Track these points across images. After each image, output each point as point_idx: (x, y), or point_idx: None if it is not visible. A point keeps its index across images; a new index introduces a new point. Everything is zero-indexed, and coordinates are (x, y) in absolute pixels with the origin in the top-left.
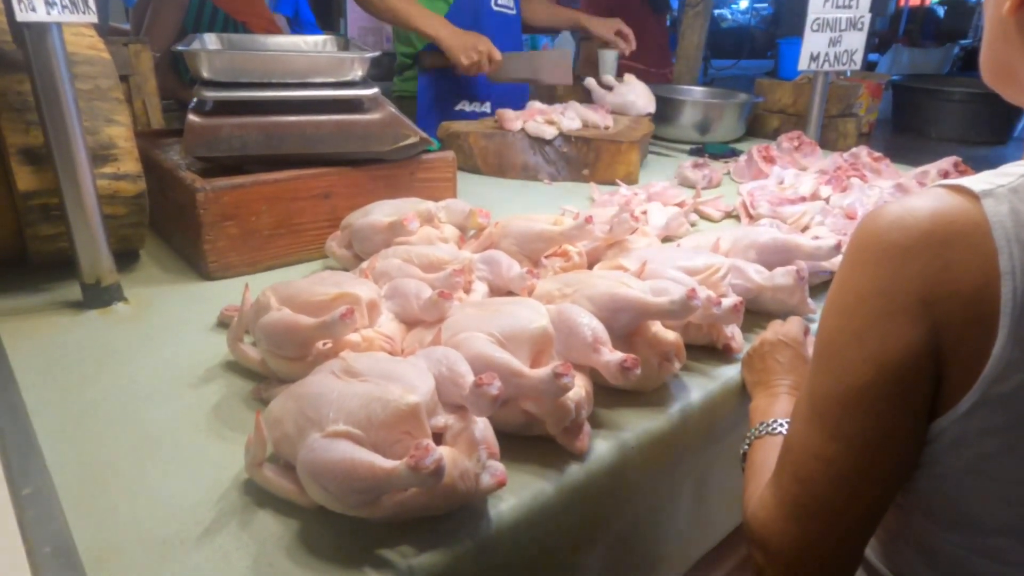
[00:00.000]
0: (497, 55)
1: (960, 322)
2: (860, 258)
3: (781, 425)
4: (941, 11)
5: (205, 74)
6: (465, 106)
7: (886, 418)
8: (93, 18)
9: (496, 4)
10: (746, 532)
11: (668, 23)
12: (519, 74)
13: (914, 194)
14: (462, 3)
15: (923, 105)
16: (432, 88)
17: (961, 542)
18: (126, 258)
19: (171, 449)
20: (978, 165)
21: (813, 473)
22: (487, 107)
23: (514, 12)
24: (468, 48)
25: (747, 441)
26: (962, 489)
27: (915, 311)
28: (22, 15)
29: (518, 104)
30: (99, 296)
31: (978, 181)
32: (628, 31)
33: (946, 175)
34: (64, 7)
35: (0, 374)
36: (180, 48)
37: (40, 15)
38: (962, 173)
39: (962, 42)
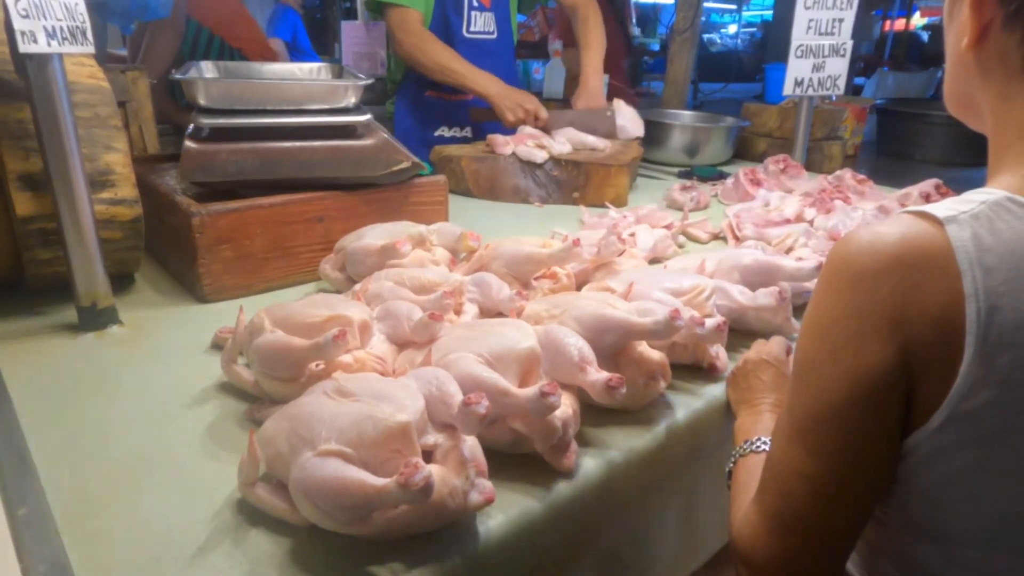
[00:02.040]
0: (543, 113)
1: (928, 341)
2: (833, 281)
3: (764, 443)
4: (925, 36)
5: (202, 101)
6: (444, 132)
7: (862, 433)
8: (90, 49)
9: (469, 31)
10: (732, 548)
11: (631, 40)
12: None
13: (883, 220)
14: (435, 32)
15: (906, 128)
16: (409, 115)
17: (938, 554)
18: (122, 281)
19: (165, 469)
20: (960, 187)
21: (794, 488)
22: (467, 132)
23: (495, 36)
24: (515, 106)
25: (732, 460)
26: (937, 503)
27: (886, 331)
28: (24, 47)
29: (497, 130)
30: (95, 319)
31: (942, 208)
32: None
33: (928, 197)
34: (64, 39)
35: None
36: (178, 76)
37: (41, 47)
38: (943, 195)
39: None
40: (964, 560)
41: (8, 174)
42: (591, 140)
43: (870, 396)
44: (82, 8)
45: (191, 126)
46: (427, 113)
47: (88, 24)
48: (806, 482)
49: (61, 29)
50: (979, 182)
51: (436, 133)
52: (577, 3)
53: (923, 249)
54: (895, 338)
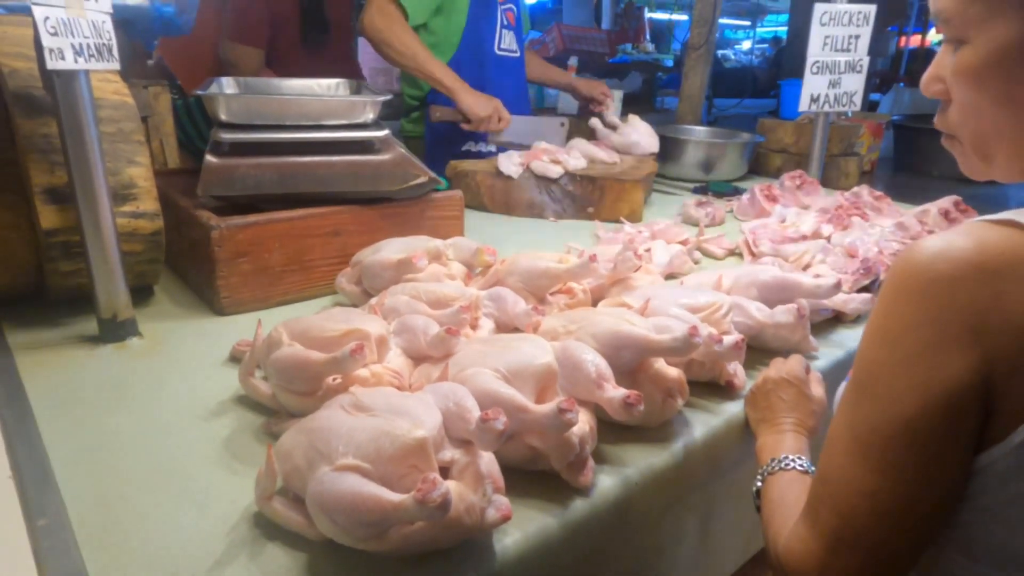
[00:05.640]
0: (507, 115)
1: (1013, 353)
2: (904, 288)
3: (793, 461)
4: None
5: (223, 117)
6: (471, 147)
7: (933, 449)
8: (116, 66)
9: (499, 49)
10: (777, 568)
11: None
12: (520, 138)
13: (953, 229)
14: (466, 48)
15: (924, 144)
16: (440, 130)
17: None
18: (142, 293)
19: (183, 481)
20: (978, 203)
21: (855, 506)
22: (492, 146)
23: (518, 55)
24: (482, 104)
25: (759, 478)
26: (1006, 523)
27: (965, 340)
28: (52, 63)
29: (456, 131)
30: (115, 331)
31: (1023, 215)
32: (608, 93)
33: (947, 214)
34: (91, 56)
35: (18, 406)
36: (199, 92)
37: (68, 63)
38: (963, 212)
39: None
40: None
41: (34, 187)
42: (599, 154)
43: (945, 410)
44: (109, 26)
45: (212, 141)
46: (456, 129)
47: (114, 41)
48: (869, 500)
49: (88, 46)
50: (997, 198)
51: (463, 148)
52: None
53: (1006, 256)
54: (975, 349)
